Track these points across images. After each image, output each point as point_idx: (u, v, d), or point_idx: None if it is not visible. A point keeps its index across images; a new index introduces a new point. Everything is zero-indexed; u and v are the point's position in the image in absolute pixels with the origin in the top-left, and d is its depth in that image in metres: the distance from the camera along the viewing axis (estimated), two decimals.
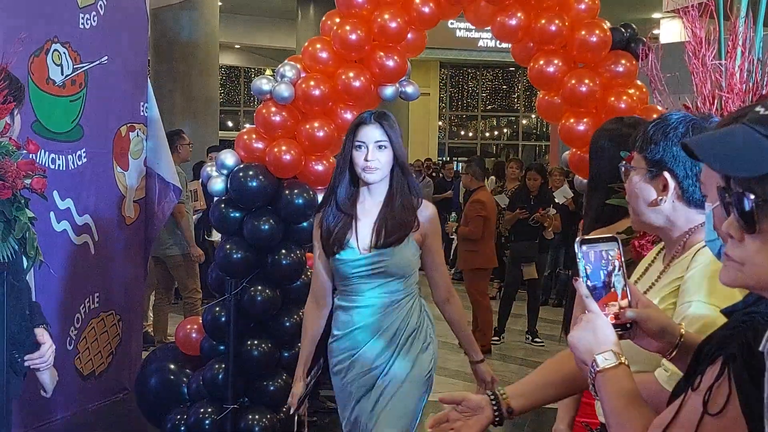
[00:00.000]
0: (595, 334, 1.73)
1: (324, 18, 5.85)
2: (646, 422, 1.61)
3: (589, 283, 1.76)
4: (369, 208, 3.75)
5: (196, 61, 14.34)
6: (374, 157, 3.66)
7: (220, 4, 15.42)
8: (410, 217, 3.71)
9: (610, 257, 1.77)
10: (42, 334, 3.14)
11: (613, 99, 5.43)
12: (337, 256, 3.71)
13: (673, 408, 1.53)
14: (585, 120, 5.54)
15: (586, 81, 5.45)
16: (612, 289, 1.77)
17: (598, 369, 1.70)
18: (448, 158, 28.02)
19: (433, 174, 18.74)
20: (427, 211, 3.79)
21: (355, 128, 3.73)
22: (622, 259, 1.78)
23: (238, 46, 26.57)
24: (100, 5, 6.16)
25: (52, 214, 5.73)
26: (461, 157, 29.82)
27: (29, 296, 3.12)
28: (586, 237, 1.79)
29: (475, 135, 32.01)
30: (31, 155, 2.57)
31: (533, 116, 30.70)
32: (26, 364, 3.12)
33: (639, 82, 5.53)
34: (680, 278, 2.11)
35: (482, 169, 10.06)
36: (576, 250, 1.77)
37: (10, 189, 2.35)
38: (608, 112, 5.33)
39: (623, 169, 2.23)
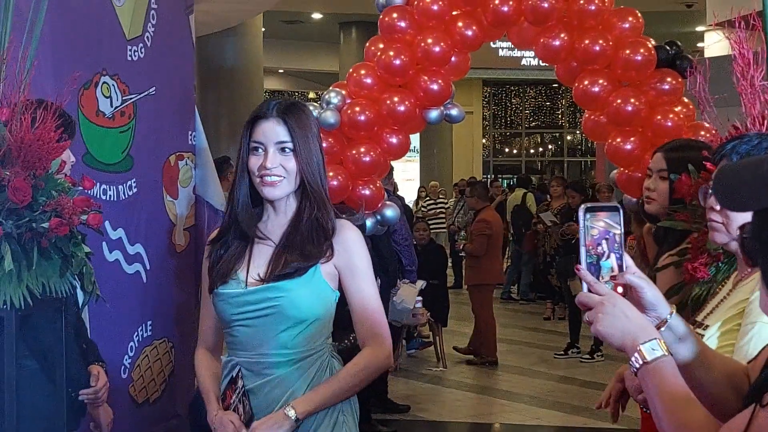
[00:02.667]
0: (630, 320, 1.65)
1: (368, 44, 5.91)
2: (703, 423, 1.59)
3: (591, 252, 1.70)
4: (271, 230, 2.76)
5: (240, 86, 14.48)
6: (274, 162, 2.67)
7: (263, 29, 15.56)
8: (319, 245, 2.69)
9: (612, 226, 1.71)
10: (98, 371, 3.20)
11: (659, 117, 5.41)
12: (216, 290, 2.72)
13: (742, 419, 1.50)
14: (632, 139, 5.52)
15: (632, 100, 5.45)
16: (610, 260, 1.71)
17: (646, 360, 1.63)
18: (493, 176, 27.98)
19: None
20: (346, 234, 2.72)
21: (251, 124, 2.73)
22: (623, 230, 1.72)
23: (282, 71, 26.77)
24: (147, 36, 6.25)
25: (104, 244, 5.80)
26: (506, 174, 29.78)
27: (85, 333, 3.16)
28: (590, 204, 1.73)
29: (519, 152, 31.95)
30: (86, 191, 2.62)
31: (578, 132, 30.58)
32: (80, 398, 3.17)
33: (685, 99, 5.51)
34: (746, 300, 2.11)
35: (486, 191, 10.72)
36: (579, 218, 1.71)
37: (68, 225, 2.40)
38: (655, 130, 5.32)
39: (703, 192, 2.23)
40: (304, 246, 2.68)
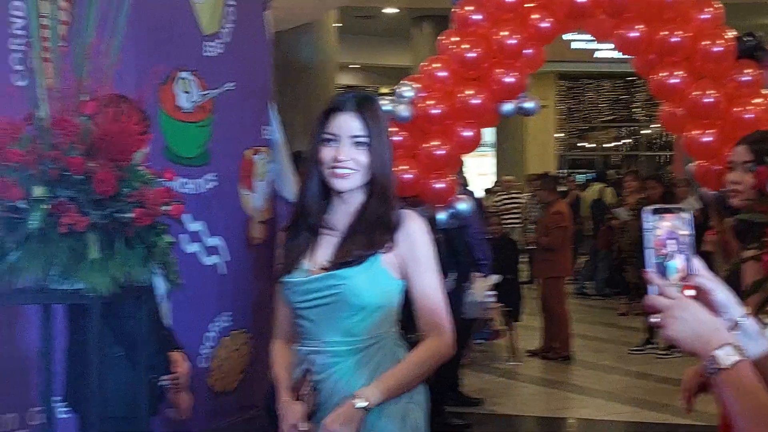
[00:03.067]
0: (702, 324, 1.60)
1: (441, 37, 5.91)
2: None
3: (658, 254, 1.65)
4: (337, 221, 2.78)
5: (314, 82, 14.57)
6: (348, 155, 2.68)
7: (337, 25, 15.63)
8: (382, 235, 2.69)
9: (679, 227, 1.66)
10: (179, 358, 3.28)
11: (738, 109, 5.34)
12: (283, 278, 2.79)
13: None
14: (710, 131, 5.45)
15: (710, 92, 5.38)
16: (678, 261, 1.66)
17: (721, 367, 1.57)
18: (567, 170, 27.76)
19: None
20: (411, 224, 2.72)
21: (326, 116, 2.74)
22: (692, 231, 1.65)
23: (354, 66, 26.86)
24: (225, 32, 6.35)
25: (183, 236, 5.91)
26: (581, 169, 29.50)
27: (165, 320, 3.26)
28: (656, 206, 1.68)
29: (594, 146, 31.62)
30: (167, 183, 2.68)
31: (655, 126, 30.18)
32: (162, 383, 3.26)
33: (765, 91, 5.42)
34: None
35: (555, 183, 10.74)
36: (644, 220, 1.66)
37: (151, 216, 2.46)
38: (733, 122, 5.25)
39: None
40: (367, 236, 2.69)
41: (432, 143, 5.59)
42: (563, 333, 9.70)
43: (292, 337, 2.86)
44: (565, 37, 22.08)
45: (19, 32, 4.45)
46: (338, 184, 2.70)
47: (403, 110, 5.53)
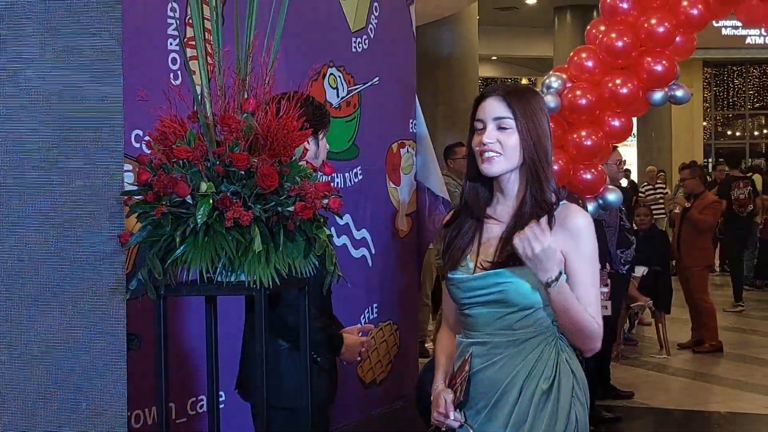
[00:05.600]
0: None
1: (589, 26, 5.86)
2: None
3: None
4: (501, 213, 2.74)
5: (456, 74, 14.57)
6: (491, 138, 2.64)
7: (477, 17, 15.60)
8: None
9: None
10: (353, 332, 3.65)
11: None
12: (449, 275, 2.77)
13: None
14: None
15: None
16: None
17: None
18: (714, 160, 26.99)
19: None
20: (575, 219, 2.64)
21: (476, 104, 2.74)
22: None
23: (495, 58, 26.74)
24: (371, 28, 6.43)
25: (333, 229, 6.02)
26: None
27: (331, 309, 3.41)
28: None
29: (742, 134, 30.66)
30: (326, 177, 2.74)
31: None
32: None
33: None
34: None
35: (704, 174, 10.86)
36: None
37: (311, 209, 2.51)
38: None
39: None
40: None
41: (580, 133, 5.53)
42: (711, 323, 9.50)
43: (457, 328, 2.86)
44: (716, 23, 21.61)
45: (174, 33, 4.61)
46: (485, 169, 2.65)
47: (551, 101, 5.50)
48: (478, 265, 2.69)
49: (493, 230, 2.72)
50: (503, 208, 2.72)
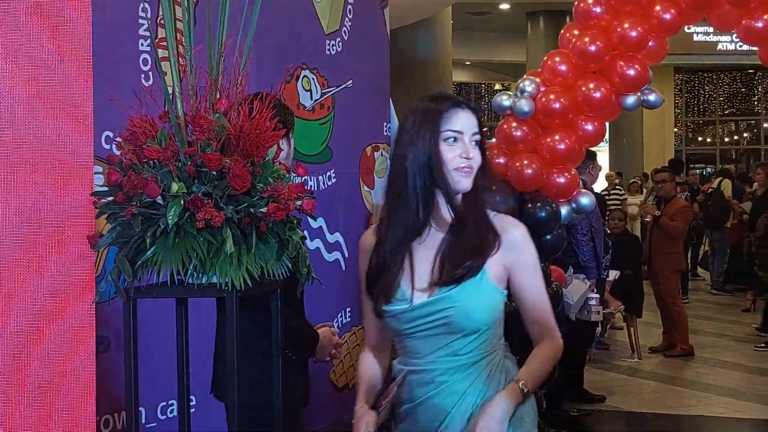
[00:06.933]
0: None
1: (562, 31, 5.87)
2: None
3: None
4: (434, 232, 2.59)
5: (430, 79, 14.58)
6: (474, 153, 2.54)
7: (451, 22, 15.63)
8: (486, 237, 2.53)
9: None
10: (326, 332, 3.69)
11: None
12: (383, 308, 2.57)
13: None
14: None
15: None
16: None
17: None
18: (685, 166, 27.15)
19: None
20: (513, 233, 2.56)
21: (445, 112, 2.55)
22: None
23: (468, 62, 26.80)
24: (344, 31, 6.40)
25: (306, 232, 5.98)
26: (698, 164, 28.85)
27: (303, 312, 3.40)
28: None
29: (713, 141, 30.89)
30: (300, 178, 2.72)
31: None
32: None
33: None
34: None
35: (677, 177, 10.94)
36: None
37: (284, 211, 2.49)
38: None
39: None
40: (471, 245, 2.52)
41: (553, 137, 5.54)
42: (682, 327, 9.56)
43: (383, 346, 2.75)
44: (688, 29, 21.73)
45: (146, 33, 4.56)
46: (465, 184, 2.52)
47: (524, 105, 5.50)
48: (416, 293, 2.53)
49: (426, 251, 2.57)
50: (437, 227, 2.58)
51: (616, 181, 17.31)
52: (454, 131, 2.53)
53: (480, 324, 2.51)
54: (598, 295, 7.21)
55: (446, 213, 2.56)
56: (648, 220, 9.80)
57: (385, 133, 7.01)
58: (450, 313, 2.48)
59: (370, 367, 2.75)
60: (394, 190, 2.59)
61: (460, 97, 2.65)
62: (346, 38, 6.42)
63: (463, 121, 2.55)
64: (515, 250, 2.54)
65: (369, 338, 2.79)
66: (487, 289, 2.51)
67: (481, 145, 2.57)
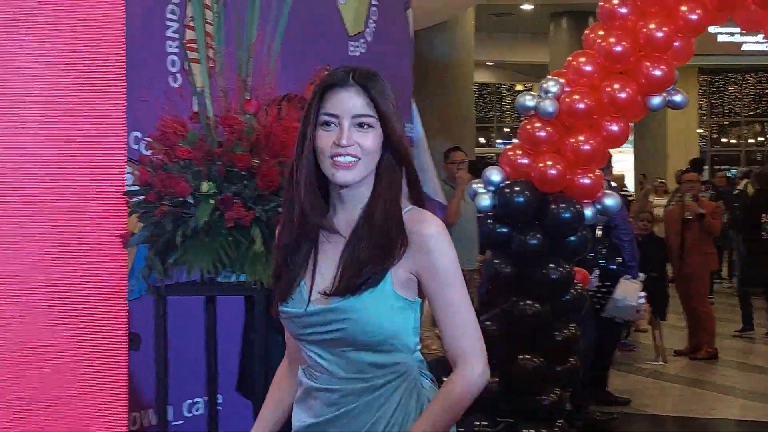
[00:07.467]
0: None
1: (587, 31, 5.86)
2: None
3: None
4: (339, 225, 2.21)
5: (451, 80, 14.54)
6: (350, 140, 2.12)
7: (474, 23, 15.60)
8: (393, 245, 2.14)
9: None
10: None
11: None
12: (281, 307, 2.23)
13: None
14: None
15: None
16: None
17: None
18: (709, 167, 27.01)
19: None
20: (425, 228, 2.17)
21: (322, 92, 2.16)
22: None
23: (491, 63, 26.76)
24: (368, 32, 6.43)
25: None
26: (723, 165, 28.68)
27: None
28: None
29: (738, 142, 30.69)
30: None
31: None
32: None
33: None
34: None
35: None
36: None
37: None
38: None
39: None
40: (374, 248, 2.14)
41: (578, 138, 5.53)
42: (708, 330, 9.52)
43: (299, 357, 2.30)
44: (712, 30, 21.61)
45: (174, 35, 4.59)
46: (341, 176, 2.13)
47: (549, 105, 5.48)
48: (314, 296, 2.17)
49: (330, 248, 2.20)
50: (343, 222, 2.21)
51: (623, 183, 17.25)
52: (328, 114, 2.14)
53: (382, 339, 2.14)
54: (645, 293, 7.27)
55: (352, 202, 2.19)
56: (689, 217, 9.68)
57: (407, 134, 7.04)
58: (345, 325, 2.13)
59: (276, 388, 2.39)
60: (293, 174, 2.18)
61: (349, 71, 2.19)
62: (369, 40, 6.45)
63: (341, 102, 2.14)
64: (424, 252, 2.15)
65: (288, 346, 2.40)
66: (389, 299, 2.14)
67: (386, 129, 2.16)
